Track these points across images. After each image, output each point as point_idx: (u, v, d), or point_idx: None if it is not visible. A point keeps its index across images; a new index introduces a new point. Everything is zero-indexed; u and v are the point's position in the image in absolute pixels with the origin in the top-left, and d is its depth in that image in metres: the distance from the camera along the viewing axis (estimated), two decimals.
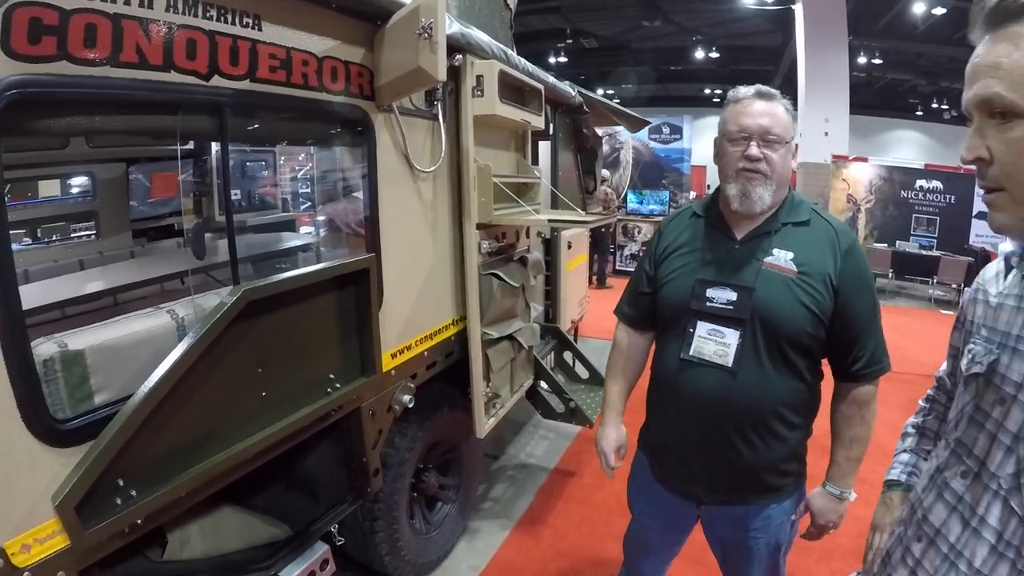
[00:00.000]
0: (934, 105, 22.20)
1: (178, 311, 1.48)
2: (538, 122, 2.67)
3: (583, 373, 3.73)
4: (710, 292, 1.53)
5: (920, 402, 1.27)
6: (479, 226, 2.29)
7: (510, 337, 2.58)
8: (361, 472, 1.96)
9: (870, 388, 1.54)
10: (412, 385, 2.10)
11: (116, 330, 1.35)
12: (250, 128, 1.60)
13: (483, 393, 2.39)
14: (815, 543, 1.80)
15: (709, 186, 17.63)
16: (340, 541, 1.95)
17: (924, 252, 10.10)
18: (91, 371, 1.26)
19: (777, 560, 1.71)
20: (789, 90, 18.12)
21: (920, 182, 11.48)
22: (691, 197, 15.93)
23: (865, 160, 13.53)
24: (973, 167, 0.82)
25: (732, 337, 1.52)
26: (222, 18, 1.34)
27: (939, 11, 13.63)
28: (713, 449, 1.57)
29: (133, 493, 1.21)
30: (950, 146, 22.65)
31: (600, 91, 19.78)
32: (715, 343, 1.53)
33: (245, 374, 1.38)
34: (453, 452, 2.76)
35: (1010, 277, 0.94)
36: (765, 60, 19.72)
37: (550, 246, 3.55)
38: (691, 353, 1.56)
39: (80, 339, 1.27)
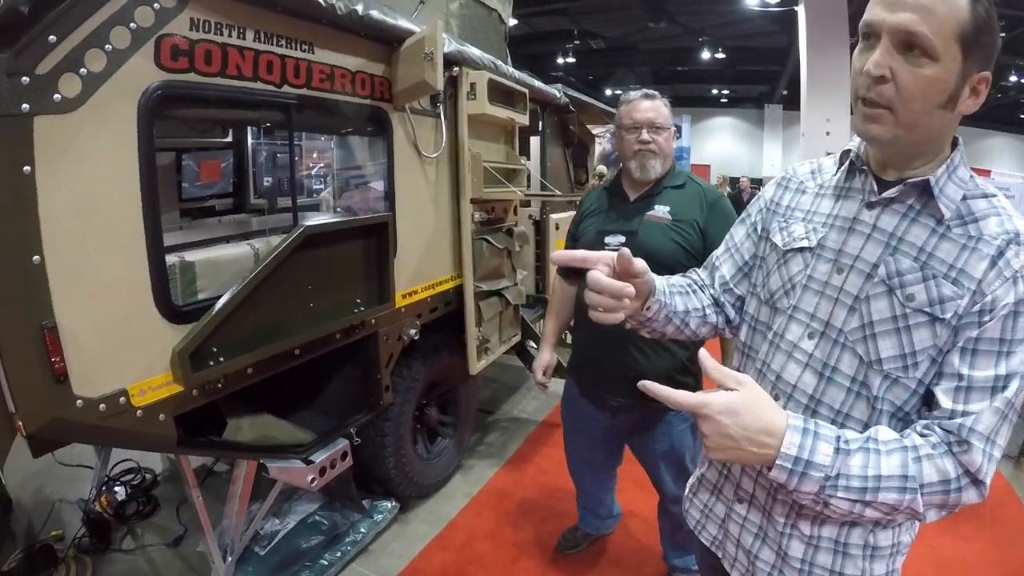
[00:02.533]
0: None
1: (255, 244, 2.16)
2: (523, 120, 3.32)
3: (568, 337, 4.36)
4: (607, 239, 2.10)
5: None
6: (472, 200, 2.93)
7: (499, 294, 3.23)
8: (375, 387, 2.60)
9: None
10: (417, 322, 2.75)
11: (215, 252, 2.02)
12: (306, 122, 2.27)
13: (475, 337, 3.04)
14: None
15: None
16: (357, 441, 2.57)
17: None
18: (198, 276, 1.92)
19: (684, 465, 2.22)
20: (793, 90, 18.70)
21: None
22: None
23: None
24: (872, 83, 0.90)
25: None
26: (288, 45, 1.99)
27: None
28: (617, 357, 2.10)
29: (221, 359, 1.82)
30: None
31: (608, 91, 20.25)
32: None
33: (298, 289, 2.03)
34: (451, 393, 3.40)
35: (839, 173, 1.09)
36: (771, 61, 20.09)
37: (539, 227, 4.18)
38: None
39: (192, 255, 1.94)
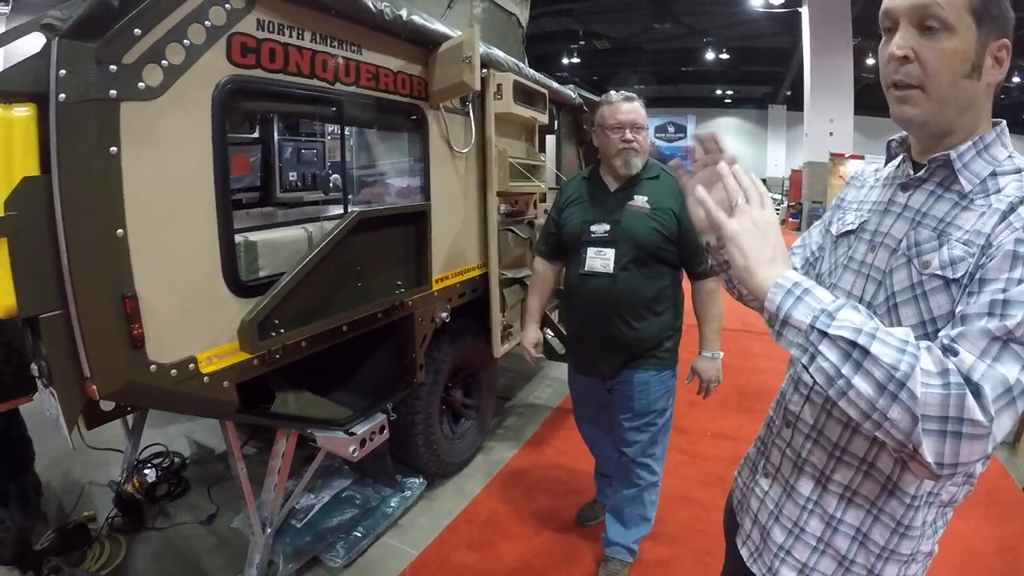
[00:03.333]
0: None
1: (309, 227, 2.37)
2: (543, 118, 3.53)
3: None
4: (593, 227, 2.34)
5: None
6: (498, 193, 3.13)
7: (521, 282, 3.43)
8: (411, 365, 2.80)
9: (713, 281, 2.35)
10: (448, 306, 2.95)
11: (275, 234, 2.22)
12: (354, 117, 2.47)
13: (499, 322, 3.23)
14: None
15: None
16: (393, 416, 2.75)
17: None
18: (260, 255, 2.12)
19: (653, 422, 2.44)
20: (797, 91, 18.91)
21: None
22: None
23: (861, 157, 14.17)
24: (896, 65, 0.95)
25: (610, 254, 2.30)
26: (340, 46, 2.18)
27: None
28: (607, 329, 2.35)
29: (282, 331, 2.00)
30: None
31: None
32: (600, 260, 2.32)
33: (349, 269, 2.22)
34: (474, 377, 3.59)
35: (889, 167, 1.14)
36: (775, 61, 20.27)
37: None
38: (586, 269, 2.34)
39: (255, 236, 2.14)
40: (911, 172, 1.05)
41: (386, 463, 2.97)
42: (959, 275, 0.91)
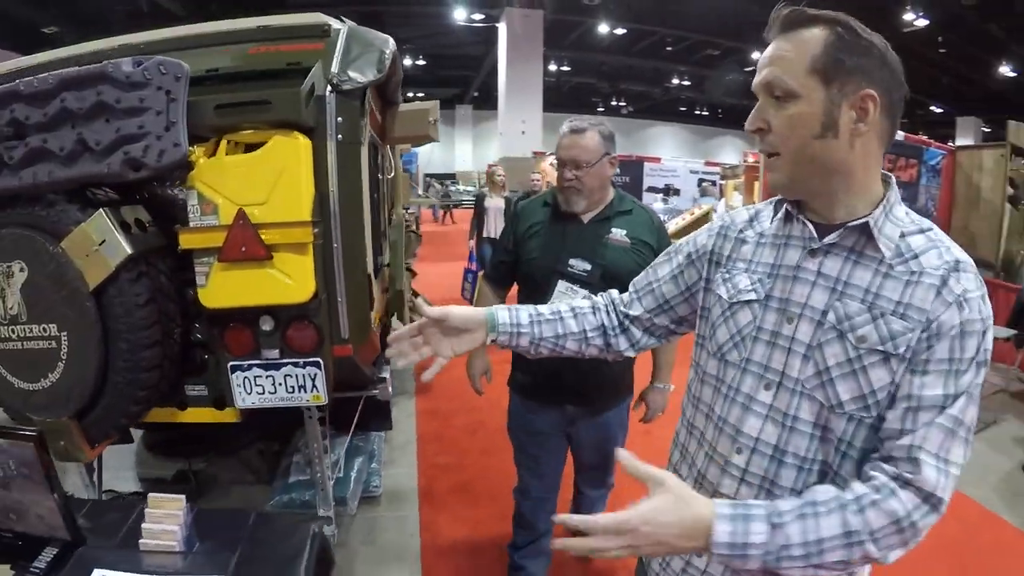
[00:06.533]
0: (612, 103, 27.95)
1: None
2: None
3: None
4: (572, 261, 2.14)
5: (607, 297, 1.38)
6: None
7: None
8: None
9: None
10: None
11: None
12: None
13: None
14: None
15: None
16: None
17: None
18: None
19: (611, 460, 2.37)
20: (486, 93, 21.24)
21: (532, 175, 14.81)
22: None
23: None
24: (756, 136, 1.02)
25: (580, 295, 2.08)
26: None
27: (620, 31, 17.50)
28: (570, 369, 2.10)
29: None
30: (627, 135, 28.23)
31: None
32: (568, 297, 2.11)
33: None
34: None
35: (776, 221, 1.11)
36: (466, 67, 22.54)
37: None
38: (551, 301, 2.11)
39: None
40: (814, 235, 1.03)
41: (387, 410, 3.59)
42: (901, 350, 0.93)
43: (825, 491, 0.94)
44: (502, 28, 16.72)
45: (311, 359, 2.06)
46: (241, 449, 3.82)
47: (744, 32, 16.32)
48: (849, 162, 0.97)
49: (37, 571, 1.45)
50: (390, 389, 3.00)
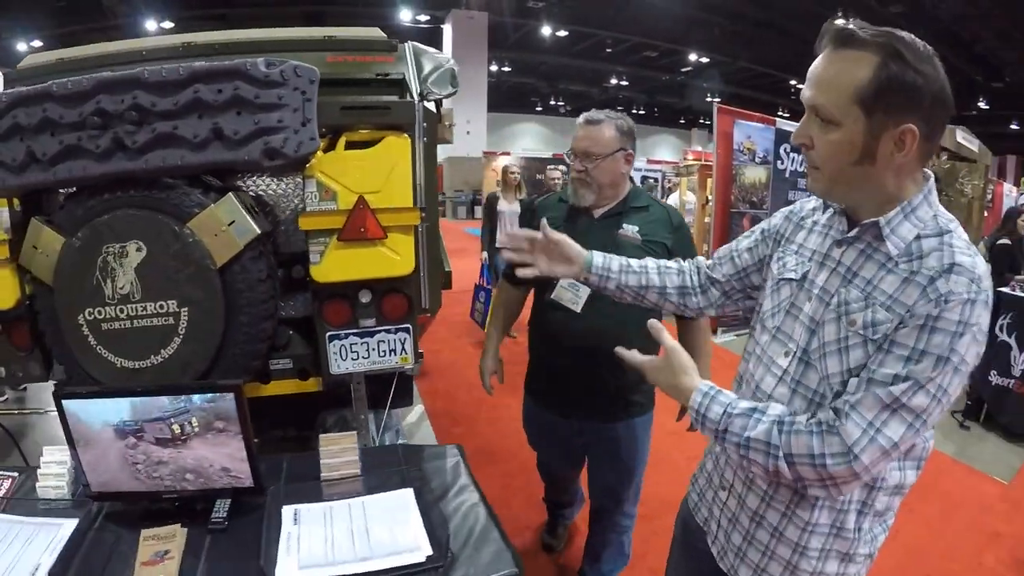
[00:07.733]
0: (551, 102, 28.43)
1: None
2: None
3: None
4: None
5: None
6: None
7: None
8: None
9: (705, 321, 2.24)
10: None
11: None
12: None
13: None
14: None
15: None
16: None
17: None
18: None
19: (636, 469, 2.37)
20: None
21: (548, 167, 15.34)
22: None
23: (508, 153, 16.97)
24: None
25: (584, 292, 2.10)
26: None
27: (563, 33, 18.05)
28: (580, 374, 2.17)
29: None
30: (566, 134, 28.38)
31: None
32: (571, 293, 2.12)
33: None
34: None
35: (827, 213, 1.23)
36: None
37: None
38: (552, 296, 2.16)
39: None
40: (844, 229, 1.15)
41: (411, 386, 3.86)
42: (877, 336, 1.03)
43: (776, 407, 1.13)
44: (447, 29, 16.99)
45: (402, 326, 2.38)
46: (261, 435, 3.98)
47: (681, 35, 17.13)
48: (883, 180, 1.05)
49: (219, 519, 1.54)
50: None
